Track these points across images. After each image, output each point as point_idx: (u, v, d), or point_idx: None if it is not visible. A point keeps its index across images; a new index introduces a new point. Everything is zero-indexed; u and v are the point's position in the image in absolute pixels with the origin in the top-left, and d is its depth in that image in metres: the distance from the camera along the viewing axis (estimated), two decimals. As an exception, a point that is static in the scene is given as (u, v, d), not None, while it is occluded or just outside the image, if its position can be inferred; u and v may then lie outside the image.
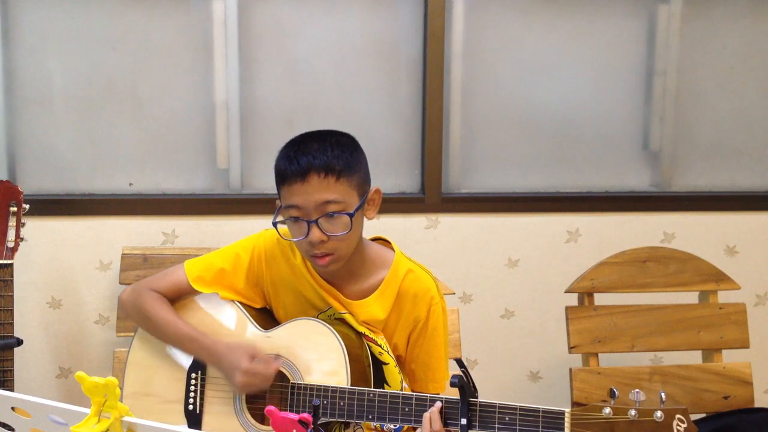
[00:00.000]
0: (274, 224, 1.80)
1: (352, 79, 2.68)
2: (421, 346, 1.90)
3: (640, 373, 2.34)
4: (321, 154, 1.74)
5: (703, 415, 2.34)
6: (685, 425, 1.53)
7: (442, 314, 1.91)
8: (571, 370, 2.30)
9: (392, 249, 1.93)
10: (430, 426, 1.65)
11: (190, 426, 1.84)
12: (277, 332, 1.86)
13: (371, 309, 1.87)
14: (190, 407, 1.86)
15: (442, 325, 1.90)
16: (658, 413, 1.54)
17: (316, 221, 1.73)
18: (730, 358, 2.38)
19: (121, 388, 1.90)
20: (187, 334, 1.86)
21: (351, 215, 1.74)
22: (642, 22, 2.78)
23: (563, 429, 1.59)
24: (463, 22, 2.68)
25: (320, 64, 2.66)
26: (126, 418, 1.15)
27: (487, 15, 2.71)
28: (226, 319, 1.90)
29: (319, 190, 1.73)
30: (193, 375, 1.87)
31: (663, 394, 1.56)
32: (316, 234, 1.74)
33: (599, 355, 2.33)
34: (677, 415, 1.54)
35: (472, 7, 2.69)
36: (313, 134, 1.82)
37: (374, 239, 1.96)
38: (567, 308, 2.33)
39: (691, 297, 2.44)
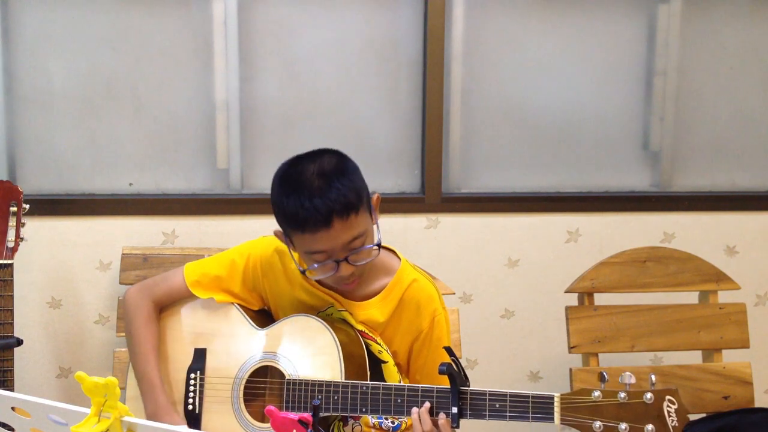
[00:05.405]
0: (303, 272, 1.80)
1: (352, 79, 2.68)
2: (425, 357, 1.89)
3: (641, 373, 2.31)
4: (335, 193, 1.68)
5: (703, 415, 2.34)
6: (675, 406, 1.53)
7: (446, 325, 1.91)
8: (571, 370, 2.30)
9: (398, 257, 1.92)
10: (420, 425, 1.65)
11: (190, 426, 1.84)
12: (273, 329, 1.86)
13: (371, 311, 1.87)
14: (190, 407, 1.87)
15: (446, 336, 1.90)
16: (648, 395, 1.53)
17: (345, 259, 1.73)
18: (730, 358, 2.38)
19: (123, 389, 1.91)
20: (149, 379, 1.85)
21: (378, 245, 1.75)
22: (642, 22, 2.78)
23: (553, 413, 1.59)
24: (463, 22, 2.68)
25: (320, 64, 2.66)
26: (126, 418, 1.15)
27: (487, 15, 2.71)
28: (224, 318, 1.91)
29: (344, 231, 1.70)
30: (192, 375, 1.87)
31: (653, 377, 1.56)
32: (347, 270, 1.74)
33: (599, 355, 2.33)
34: (668, 397, 1.53)
35: (472, 7, 2.69)
36: (308, 168, 1.72)
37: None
38: (567, 308, 2.33)
39: (691, 297, 2.44)
